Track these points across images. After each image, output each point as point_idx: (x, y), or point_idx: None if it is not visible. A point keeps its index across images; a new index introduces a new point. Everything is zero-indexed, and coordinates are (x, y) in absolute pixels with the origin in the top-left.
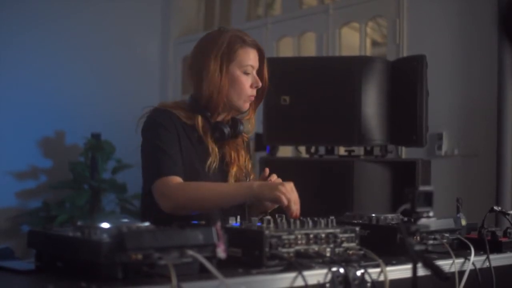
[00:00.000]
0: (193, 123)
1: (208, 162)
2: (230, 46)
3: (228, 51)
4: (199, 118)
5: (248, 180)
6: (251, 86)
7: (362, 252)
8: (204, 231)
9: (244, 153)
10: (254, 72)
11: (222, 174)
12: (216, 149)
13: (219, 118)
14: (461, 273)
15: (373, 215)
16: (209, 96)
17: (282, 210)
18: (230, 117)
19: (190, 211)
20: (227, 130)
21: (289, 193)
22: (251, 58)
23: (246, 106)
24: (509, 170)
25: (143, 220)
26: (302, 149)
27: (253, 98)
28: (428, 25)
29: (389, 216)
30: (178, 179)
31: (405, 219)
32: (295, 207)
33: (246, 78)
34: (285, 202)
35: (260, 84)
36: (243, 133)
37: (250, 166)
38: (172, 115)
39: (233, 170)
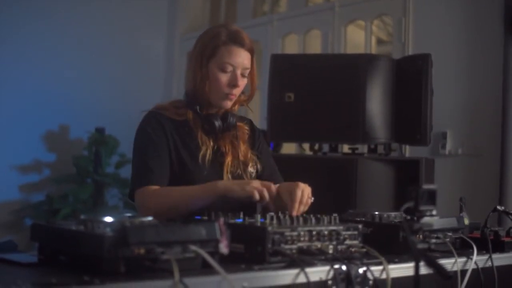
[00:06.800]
0: (184, 118)
1: (200, 155)
2: (214, 42)
3: (210, 47)
4: (190, 112)
5: (246, 171)
6: (228, 85)
7: (364, 249)
8: (207, 226)
9: (242, 144)
10: (238, 72)
11: (217, 165)
12: (210, 142)
13: (212, 112)
14: (464, 272)
15: (376, 213)
16: (191, 90)
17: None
18: (224, 110)
19: (168, 217)
20: (217, 122)
21: (261, 187)
22: (233, 57)
23: (226, 104)
24: None
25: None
26: (306, 146)
27: (233, 97)
28: (433, 24)
29: (392, 214)
30: (154, 187)
31: (408, 217)
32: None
33: (223, 76)
34: (257, 196)
35: (238, 83)
36: (245, 127)
37: (250, 156)
38: (162, 118)
39: (227, 161)
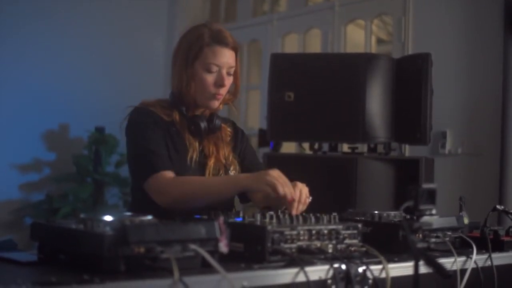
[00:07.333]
0: (171, 119)
1: (188, 157)
2: (198, 43)
3: (195, 48)
4: (177, 114)
5: (229, 172)
6: (215, 85)
7: (364, 249)
8: (207, 225)
9: (225, 146)
10: (224, 71)
11: (200, 167)
12: (196, 143)
13: (197, 113)
14: (463, 271)
15: (376, 212)
16: (177, 91)
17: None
18: (209, 112)
19: (185, 206)
20: (203, 124)
21: (280, 179)
22: (217, 57)
23: (213, 104)
24: None
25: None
26: (306, 145)
27: (220, 97)
28: (433, 23)
29: (392, 213)
30: (170, 174)
31: (408, 216)
32: (289, 191)
33: (209, 76)
34: (281, 190)
35: (224, 82)
36: (228, 128)
37: (231, 158)
38: (151, 113)
39: (210, 163)
